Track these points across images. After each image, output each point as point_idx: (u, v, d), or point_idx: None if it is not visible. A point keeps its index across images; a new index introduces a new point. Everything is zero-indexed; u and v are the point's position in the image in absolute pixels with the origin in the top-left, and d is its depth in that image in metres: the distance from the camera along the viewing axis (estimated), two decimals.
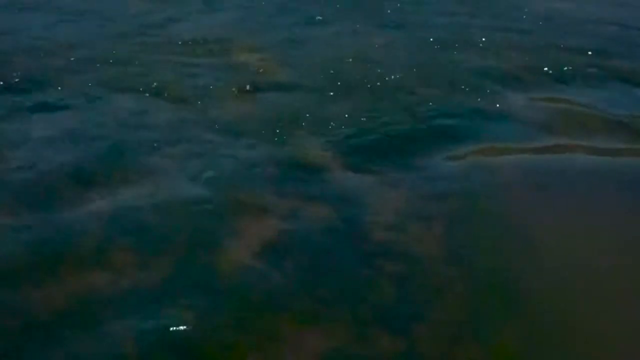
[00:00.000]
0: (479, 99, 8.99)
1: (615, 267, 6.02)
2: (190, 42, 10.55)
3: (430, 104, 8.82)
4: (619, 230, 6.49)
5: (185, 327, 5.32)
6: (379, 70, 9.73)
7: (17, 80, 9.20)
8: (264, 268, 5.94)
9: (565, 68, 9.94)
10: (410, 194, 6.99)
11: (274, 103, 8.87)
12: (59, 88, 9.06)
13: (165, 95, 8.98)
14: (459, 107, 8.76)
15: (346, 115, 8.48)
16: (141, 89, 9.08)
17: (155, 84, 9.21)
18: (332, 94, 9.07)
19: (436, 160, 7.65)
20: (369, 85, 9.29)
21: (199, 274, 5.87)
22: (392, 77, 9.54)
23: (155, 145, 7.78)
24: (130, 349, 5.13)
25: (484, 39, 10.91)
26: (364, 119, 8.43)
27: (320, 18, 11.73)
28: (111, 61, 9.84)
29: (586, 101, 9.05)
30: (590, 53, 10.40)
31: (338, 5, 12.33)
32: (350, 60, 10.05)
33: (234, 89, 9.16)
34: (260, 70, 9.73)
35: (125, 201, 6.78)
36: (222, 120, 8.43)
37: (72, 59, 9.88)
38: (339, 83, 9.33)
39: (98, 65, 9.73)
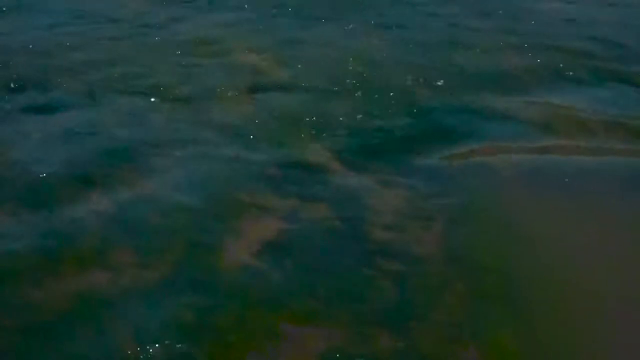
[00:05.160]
0: (477, 99, 9.00)
1: (614, 266, 6.04)
2: (190, 43, 10.56)
3: (429, 104, 8.84)
4: (618, 230, 6.50)
5: (185, 326, 5.33)
6: (378, 71, 9.74)
7: (17, 80, 9.21)
8: (264, 268, 5.95)
9: (563, 68, 9.96)
10: (410, 193, 7.00)
11: (274, 103, 8.88)
12: (59, 88, 9.07)
13: (165, 95, 8.99)
14: (458, 107, 8.77)
15: (346, 115, 8.50)
16: (141, 90, 9.10)
17: (155, 84, 9.22)
18: (331, 94, 9.08)
19: (435, 160, 7.66)
20: (368, 86, 9.30)
21: (198, 274, 5.88)
22: (392, 77, 9.55)
23: (155, 145, 7.79)
24: (130, 348, 5.14)
25: (482, 40, 10.93)
26: (364, 119, 8.45)
27: (320, 19, 11.74)
28: (111, 61, 9.85)
29: (584, 101, 9.07)
30: (587, 54, 10.42)
31: (338, 6, 12.34)
32: (350, 60, 10.06)
33: (234, 89, 9.17)
34: (260, 71, 9.74)
35: (125, 201, 6.79)
36: (222, 120, 8.44)
37: (72, 59, 9.88)
38: (338, 83, 9.34)
39: (98, 65, 9.74)
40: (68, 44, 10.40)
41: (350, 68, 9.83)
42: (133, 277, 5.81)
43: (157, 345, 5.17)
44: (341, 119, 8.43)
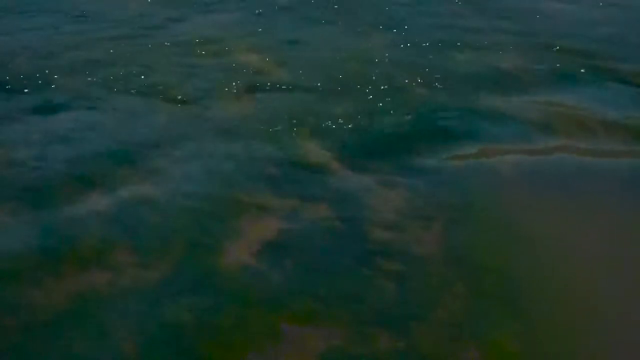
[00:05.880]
0: (477, 100, 9.00)
1: (614, 266, 6.05)
2: (190, 43, 10.56)
3: (429, 104, 8.84)
4: (617, 230, 6.51)
5: (185, 326, 5.33)
6: (378, 71, 9.74)
7: (17, 80, 9.22)
8: (264, 268, 5.96)
9: (563, 68, 9.96)
10: (410, 194, 7.01)
11: (273, 103, 8.88)
12: (60, 88, 9.07)
13: (166, 95, 9.00)
14: (458, 108, 8.77)
15: (346, 115, 8.50)
16: (141, 90, 9.10)
17: (155, 84, 9.23)
18: (331, 94, 9.08)
19: (435, 160, 7.67)
20: (368, 86, 9.30)
21: (198, 274, 5.89)
22: (391, 77, 9.55)
23: (155, 145, 7.79)
24: (130, 348, 5.14)
25: (482, 40, 10.94)
26: (364, 119, 8.45)
27: (320, 19, 11.74)
28: (111, 61, 9.85)
29: (584, 102, 9.07)
30: (588, 54, 10.43)
31: (337, 7, 12.35)
32: (350, 60, 10.06)
33: (234, 89, 9.18)
34: (260, 71, 9.75)
35: (125, 201, 6.80)
36: (222, 120, 8.45)
37: (72, 59, 9.89)
38: (338, 83, 9.34)
39: (98, 65, 9.75)
40: (68, 44, 10.40)
41: (350, 68, 9.83)
42: (133, 277, 5.82)
43: (156, 344, 5.17)
44: (341, 119, 8.44)
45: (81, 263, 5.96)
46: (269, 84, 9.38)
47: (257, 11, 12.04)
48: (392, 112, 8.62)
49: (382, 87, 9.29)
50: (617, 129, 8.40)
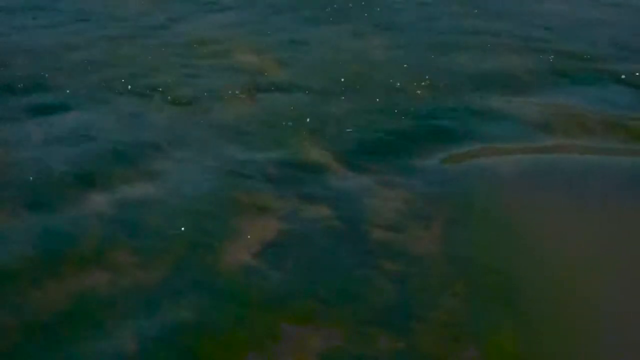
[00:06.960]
0: (477, 100, 9.02)
1: (614, 265, 6.05)
2: (190, 43, 10.58)
3: (430, 104, 8.85)
4: (616, 230, 6.51)
5: (185, 326, 5.34)
6: (377, 72, 9.76)
7: (17, 80, 9.23)
8: (264, 268, 5.96)
9: (563, 69, 9.97)
10: (410, 194, 7.01)
11: (273, 104, 8.90)
12: (59, 88, 9.09)
13: (166, 95, 9.02)
14: (458, 108, 8.78)
15: (345, 116, 8.51)
16: (141, 90, 9.12)
17: (155, 84, 9.24)
18: (331, 94, 9.10)
19: (435, 160, 7.68)
20: (368, 86, 9.32)
21: (199, 274, 5.89)
22: (392, 78, 9.56)
23: (155, 145, 7.80)
24: (130, 348, 5.14)
25: (482, 42, 10.95)
26: (364, 119, 8.46)
27: (320, 20, 11.76)
28: (112, 62, 9.87)
29: (584, 102, 9.08)
30: (587, 54, 10.44)
31: (338, 7, 12.36)
32: (350, 61, 10.08)
33: (234, 90, 9.19)
34: (261, 71, 9.76)
35: (125, 201, 6.80)
36: (222, 120, 8.46)
37: (72, 59, 9.91)
38: (338, 84, 9.35)
39: (98, 65, 9.77)
40: (68, 43, 10.43)
41: (350, 69, 9.84)
42: (133, 277, 5.82)
43: (157, 344, 5.17)
44: (341, 119, 8.45)
45: (81, 263, 5.96)
46: (269, 84, 9.39)
47: (257, 11, 12.06)
48: (392, 112, 8.63)
49: (382, 88, 9.30)
50: (617, 129, 8.41)
